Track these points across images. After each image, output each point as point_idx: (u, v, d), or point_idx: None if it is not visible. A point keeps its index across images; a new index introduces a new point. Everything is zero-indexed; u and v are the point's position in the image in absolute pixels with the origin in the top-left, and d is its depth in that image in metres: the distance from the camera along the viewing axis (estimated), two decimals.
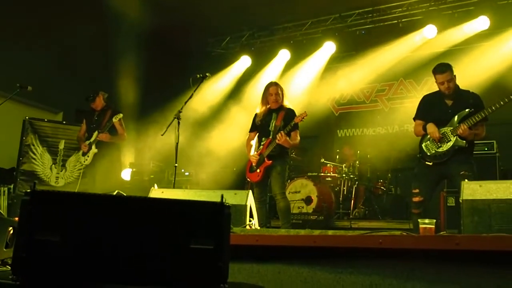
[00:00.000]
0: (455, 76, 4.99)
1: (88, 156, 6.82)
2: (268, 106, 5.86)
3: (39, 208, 1.70)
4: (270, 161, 5.63)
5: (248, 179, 6.00)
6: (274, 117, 5.79)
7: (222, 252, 1.88)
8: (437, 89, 5.08)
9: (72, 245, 1.69)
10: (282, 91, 5.87)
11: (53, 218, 1.71)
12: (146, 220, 1.83)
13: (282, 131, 5.55)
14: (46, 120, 8.17)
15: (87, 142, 6.88)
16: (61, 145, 7.48)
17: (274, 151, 5.66)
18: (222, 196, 1.95)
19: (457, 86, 5.02)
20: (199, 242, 1.86)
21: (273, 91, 5.81)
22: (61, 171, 7.85)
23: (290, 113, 5.79)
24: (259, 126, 5.90)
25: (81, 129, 7.21)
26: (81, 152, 7.02)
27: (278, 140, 5.53)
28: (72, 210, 1.76)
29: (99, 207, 1.82)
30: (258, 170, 5.71)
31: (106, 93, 7.19)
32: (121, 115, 6.82)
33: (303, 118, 5.56)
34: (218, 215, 1.93)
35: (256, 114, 6.01)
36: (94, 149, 6.78)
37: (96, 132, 6.80)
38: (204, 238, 1.88)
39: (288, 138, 5.57)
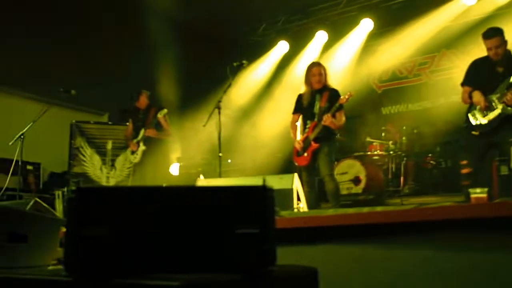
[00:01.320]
0: (506, 41, 4.78)
1: (137, 154, 6.91)
2: (311, 87, 5.78)
3: (85, 205, 1.73)
4: (317, 144, 5.58)
5: (295, 163, 5.95)
6: (318, 98, 5.72)
7: (267, 235, 1.88)
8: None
9: (120, 238, 1.73)
10: (325, 70, 5.79)
11: (100, 213, 1.74)
12: (190, 208, 1.84)
13: (328, 113, 5.48)
14: (92, 122, 8.36)
15: (135, 140, 6.97)
16: (109, 145, 7.64)
17: (320, 133, 5.60)
18: (264, 180, 1.94)
19: (508, 52, 4.81)
20: (244, 226, 1.86)
21: (316, 71, 5.73)
22: (111, 170, 8.02)
23: (334, 93, 5.72)
24: (303, 108, 5.83)
25: (127, 129, 7.31)
26: (129, 151, 7.12)
27: (324, 121, 5.47)
28: (117, 204, 1.79)
29: (143, 199, 1.84)
30: (305, 154, 5.66)
31: (148, 91, 7.27)
32: (165, 110, 6.86)
33: (348, 98, 5.50)
34: (261, 199, 1.92)
35: (299, 96, 5.94)
36: (142, 147, 6.86)
37: (142, 130, 6.88)
38: (249, 222, 1.87)
39: (334, 120, 5.52)
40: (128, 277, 1.67)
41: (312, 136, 5.60)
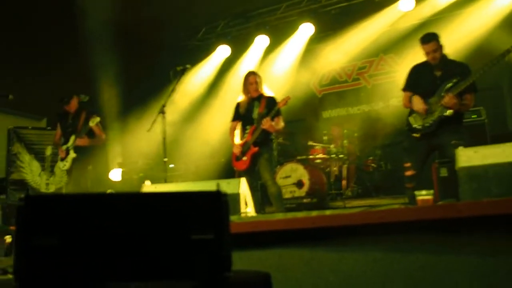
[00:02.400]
0: (442, 46, 4.95)
1: (66, 162, 6.53)
2: (249, 95, 5.91)
3: (34, 213, 1.67)
4: (256, 148, 5.68)
5: (235, 168, 5.99)
6: (256, 105, 5.86)
7: (223, 241, 1.86)
8: (424, 59, 5.05)
9: (71, 247, 1.67)
10: (260, 79, 5.95)
11: (50, 221, 1.68)
12: (144, 215, 1.80)
13: (267, 117, 5.58)
14: (30, 127, 8.11)
15: (64, 147, 6.59)
16: (48, 151, 7.38)
17: (259, 138, 5.71)
18: (218, 185, 1.92)
19: (445, 56, 4.98)
20: (199, 233, 1.84)
21: (252, 80, 5.89)
22: (51, 177, 7.77)
23: (271, 100, 5.87)
24: (242, 115, 5.95)
25: (56, 134, 6.92)
26: (59, 158, 6.74)
27: (263, 125, 5.56)
28: (68, 212, 1.73)
29: (95, 206, 1.79)
30: (244, 158, 5.75)
31: (88, 96, 7.05)
32: (98, 118, 6.49)
33: (286, 102, 5.66)
34: (215, 204, 1.90)
35: (238, 104, 6.05)
36: (72, 154, 6.48)
37: (73, 137, 6.53)
38: (204, 228, 1.86)
39: (272, 123, 5.64)
40: (82, 287, 1.61)
41: (251, 140, 5.72)
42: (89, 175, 6.88)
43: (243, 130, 5.91)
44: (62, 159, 6.58)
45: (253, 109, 5.85)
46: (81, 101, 6.80)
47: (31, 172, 7.83)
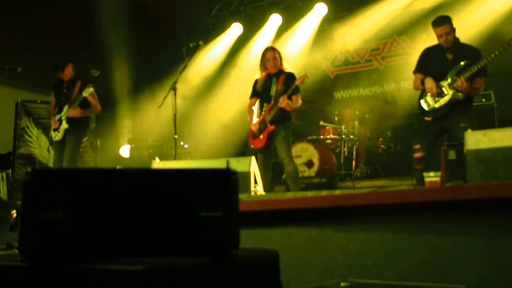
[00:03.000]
0: (454, 29, 4.90)
1: (58, 132, 6.25)
2: (267, 72, 5.82)
3: (41, 187, 1.66)
4: (273, 126, 5.61)
5: (251, 146, 5.95)
6: (274, 81, 5.76)
7: (231, 218, 1.85)
8: (436, 42, 5.01)
9: (78, 222, 1.66)
10: (279, 55, 5.83)
11: (57, 196, 1.67)
12: (153, 191, 1.79)
13: (284, 95, 5.52)
14: (39, 101, 8.05)
15: (58, 116, 6.28)
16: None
17: (276, 116, 5.64)
18: (227, 162, 1.91)
19: (457, 40, 4.94)
20: (208, 210, 1.83)
21: (270, 56, 5.76)
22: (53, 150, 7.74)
23: (290, 76, 5.77)
24: (260, 92, 5.87)
25: (51, 102, 6.67)
26: (52, 128, 6.46)
27: (280, 103, 5.51)
28: (75, 186, 1.72)
29: (103, 181, 1.78)
30: (261, 136, 5.69)
31: (98, 71, 6.98)
32: (91, 89, 6.17)
33: (303, 80, 5.56)
34: (225, 182, 1.89)
35: (256, 80, 5.96)
36: (65, 125, 6.18)
37: (66, 106, 6.24)
38: (213, 205, 1.84)
39: (290, 102, 5.57)
40: (89, 262, 1.61)
41: (268, 118, 5.63)
42: (95, 150, 6.85)
43: (261, 107, 5.84)
44: (55, 130, 6.31)
45: (271, 86, 5.76)
46: (92, 75, 6.69)
47: (39, 146, 7.82)
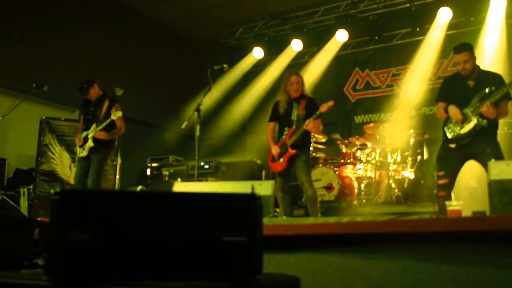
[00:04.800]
0: (474, 57, 4.89)
1: (83, 149, 6.34)
2: (289, 96, 5.82)
3: (69, 208, 1.68)
4: (294, 150, 5.60)
5: (270, 169, 5.95)
6: (295, 106, 5.77)
7: (255, 243, 1.86)
8: (452, 70, 5.02)
9: (104, 244, 1.67)
10: (302, 79, 5.86)
11: (84, 217, 1.68)
12: (178, 215, 1.80)
13: (310, 118, 5.54)
14: (63, 119, 8.15)
15: (84, 134, 6.39)
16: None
17: (298, 140, 5.63)
18: (252, 187, 1.92)
19: (478, 67, 4.93)
20: (232, 234, 1.83)
21: (294, 80, 5.78)
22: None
23: (312, 101, 5.80)
24: (280, 116, 5.87)
25: (80, 121, 6.78)
26: (78, 144, 6.51)
27: (306, 125, 5.51)
28: (102, 208, 1.73)
29: (129, 204, 1.79)
30: (281, 160, 5.67)
31: (122, 90, 7.05)
32: (120, 113, 6.29)
33: (329, 107, 5.56)
34: (249, 206, 1.90)
35: (276, 103, 5.98)
36: (90, 143, 6.29)
37: (94, 125, 6.35)
38: (237, 230, 1.85)
39: (315, 125, 5.59)
40: (112, 284, 1.62)
41: (289, 142, 5.63)
42: (116, 168, 6.87)
43: (281, 131, 5.84)
44: (80, 146, 6.41)
45: (292, 110, 5.77)
46: (115, 94, 6.76)
47: (61, 163, 7.87)
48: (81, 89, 6.49)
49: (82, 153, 6.38)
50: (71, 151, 7.73)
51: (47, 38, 8.15)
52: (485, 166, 4.30)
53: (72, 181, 7.68)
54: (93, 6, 8.96)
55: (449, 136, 4.88)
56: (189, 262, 1.79)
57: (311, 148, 7.10)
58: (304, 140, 5.70)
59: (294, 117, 5.72)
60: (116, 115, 6.26)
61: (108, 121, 6.29)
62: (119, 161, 8.00)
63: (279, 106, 5.90)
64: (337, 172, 7.96)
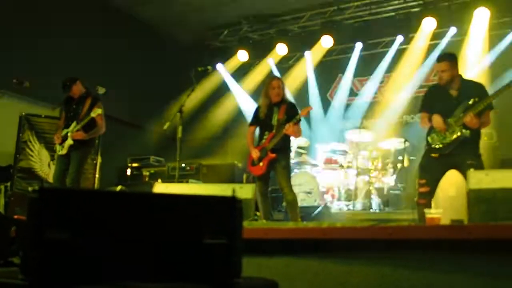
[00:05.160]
0: (454, 67, 4.90)
1: (63, 147, 6.22)
2: (269, 100, 5.80)
3: (48, 206, 1.65)
4: (274, 154, 5.59)
5: (250, 172, 5.94)
6: (276, 110, 5.74)
7: (235, 246, 1.86)
8: (435, 80, 5.06)
9: (83, 244, 1.65)
10: (283, 84, 5.84)
11: (63, 216, 1.66)
12: (158, 216, 1.79)
13: (290, 122, 5.52)
14: (43, 116, 8.02)
15: (64, 131, 6.26)
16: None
17: (277, 145, 5.61)
18: (233, 190, 1.92)
19: (460, 77, 4.97)
20: (212, 237, 1.83)
21: (275, 84, 5.76)
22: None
23: (292, 106, 5.79)
24: (261, 120, 5.85)
25: (60, 117, 6.62)
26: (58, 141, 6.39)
27: (286, 129, 5.50)
28: (82, 207, 1.71)
29: (110, 204, 1.78)
30: (261, 164, 5.65)
31: (105, 88, 6.98)
32: (100, 110, 6.16)
33: (308, 112, 5.58)
34: (230, 210, 1.90)
35: (257, 108, 5.98)
36: (70, 141, 6.16)
37: (74, 123, 6.21)
38: (217, 233, 1.85)
39: (294, 129, 5.56)
40: (90, 285, 1.60)
41: (269, 146, 5.62)
42: (96, 167, 6.79)
43: (261, 135, 5.82)
44: (60, 144, 6.29)
45: (273, 114, 5.74)
46: (98, 93, 6.69)
47: (40, 161, 7.75)
48: (64, 86, 6.39)
49: (61, 151, 6.26)
50: (51, 149, 7.58)
51: (30, 35, 8.04)
52: (465, 176, 4.35)
53: (50, 179, 7.58)
54: (77, 5, 8.88)
55: (432, 145, 4.91)
56: (169, 264, 1.78)
57: (292, 154, 7.12)
58: (284, 145, 5.68)
59: (274, 121, 5.71)
60: (96, 112, 6.12)
61: (87, 119, 6.16)
62: (99, 160, 7.91)
63: (259, 111, 5.90)
64: (318, 177, 7.99)
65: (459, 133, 4.75)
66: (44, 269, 1.62)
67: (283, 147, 5.69)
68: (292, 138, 5.87)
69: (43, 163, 7.75)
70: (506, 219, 3.47)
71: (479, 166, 4.57)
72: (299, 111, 5.67)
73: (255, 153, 5.70)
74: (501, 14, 8.71)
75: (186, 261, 1.78)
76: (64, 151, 6.24)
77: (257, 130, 5.95)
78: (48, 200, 1.67)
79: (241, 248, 1.88)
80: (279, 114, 5.70)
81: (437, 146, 4.87)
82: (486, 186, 3.83)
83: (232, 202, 1.90)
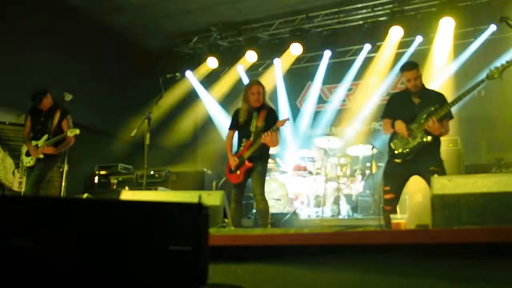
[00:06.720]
0: (421, 74, 5.07)
1: (31, 159, 6.23)
2: (249, 105, 5.69)
3: (8, 214, 1.63)
4: (251, 164, 5.49)
5: (227, 179, 5.82)
6: (255, 116, 5.63)
7: (201, 253, 1.85)
8: (401, 88, 5.17)
9: (45, 251, 1.63)
10: (264, 89, 5.73)
11: (24, 224, 1.64)
12: (122, 223, 1.78)
13: (268, 131, 5.43)
14: (7, 123, 7.89)
15: (34, 143, 6.26)
16: (24, 149, 7.11)
17: (255, 153, 5.52)
18: (200, 197, 1.91)
19: (423, 85, 5.10)
20: (177, 244, 1.82)
21: (255, 90, 5.64)
22: (24, 175, 7.56)
23: (272, 113, 5.71)
24: (240, 125, 5.73)
25: (25, 127, 6.53)
26: (24, 152, 6.38)
27: (264, 139, 5.40)
28: (43, 214, 1.69)
29: (72, 211, 1.75)
30: (238, 172, 5.55)
31: (71, 95, 6.89)
32: (77, 131, 6.21)
33: (285, 122, 5.47)
34: (196, 216, 1.89)
35: (236, 111, 5.85)
36: (40, 155, 6.19)
37: (45, 136, 6.22)
38: (183, 240, 1.84)
39: (272, 138, 5.45)
40: None
41: (246, 155, 5.53)
42: (62, 175, 6.71)
43: (239, 141, 5.71)
44: (28, 155, 6.28)
45: (252, 120, 5.63)
46: (65, 99, 6.61)
47: (4, 169, 7.61)
48: (33, 98, 6.34)
49: (29, 162, 6.27)
50: (15, 156, 7.50)
51: None
52: (428, 182, 4.42)
53: (15, 187, 7.49)
54: (44, 10, 8.75)
55: (395, 151, 5.00)
56: (133, 271, 1.76)
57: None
58: (261, 153, 5.58)
59: (252, 128, 5.60)
60: (73, 132, 6.18)
61: (61, 136, 6.21)
62: (65, 167, 7.79)
63: (239, 115, 5.77)
64: (287, 184, 8.02)
65: (420, 139, 4.86)
66: (4, 278, 1.59)
67: (261, 154, 5.60)
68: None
69: (7, 171, 7.62)
70: (469, 223, 3.54)
71: (442, 172, 4.69)
72: (279, 118, 5.63)
73: (233, 161, 5.59)
74: (465, 24, 8.90)
75: (151, 268, 1.77)
76: (32, 163, 6.24)
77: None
78: (8, 208, 1.65)
79: (207, 255, 1.87)
80: (258, 121, 5.60)
81: (399, 152, 4.96)
82: (449, 192, 3.90)
83: (198, 209, 1.89)
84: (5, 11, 8.12)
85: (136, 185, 8.43)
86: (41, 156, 6.19)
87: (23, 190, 6.91)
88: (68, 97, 6.67)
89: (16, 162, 7.56)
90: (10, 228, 1.63)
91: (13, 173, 7.63)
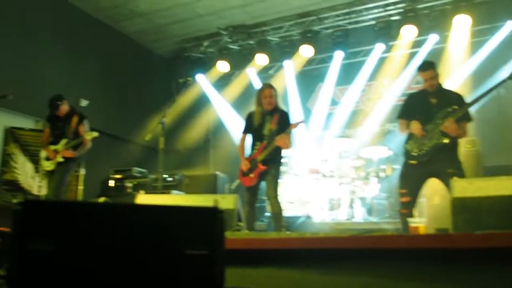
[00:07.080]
0: (438, 74, 5.00)
1: (51, 163, 6.37)
2: (262, 108, 5.70)
3: (32, 218, 1.65)
4: (265, 167, 5.50)
5: (240, 182, 5.82)
6: (268, 119, 5.65)
7: (217, 257, 1.86)
8: (415, 88, 5.11)
9: (67, 255, 1.65)
10: (276, 92, 5.74)
11: (47, 227, 1.66)
12: (140, 227, 1.79)
13: (282, 134, 5.46)
14: (27, 129, 8.05)
15: (53, 147, 6.41)
16: (43, 154, 7.19)
17: (269, 156, 5.53)
18: (215, 200, 1.92)
19: (440, 85, 5.03)
20: (194, 248, 1.83)
21: (267, 93, 5.66)
22: (45, 179, 7.67)
23: (285, 115, 5.71)
24: (253, 129, 5.74)
25: (44, 133, 6.74)
26: (44, 157, 6.52)
27: (277, 141, 5.42)
28: (64, 218, 1.71)
29: (92, 215, 1.77)
30: (251, 175, 5.55)
31: (87, 100, 6.99)
32: (95, 134, 6.41)
33: (299, 124, 5.50)
34: (212, 220, 1.90)
35: (249, 115, 5.86)
36: (60, 158, 6.33)
37: (64, 140, 6.40)
38: (199, 243, 1.85)
39: (286, 141, 5.47)
40: None
41: (260, 158, 5.53)
42: (79, 179, 6.79)
43: (253, 144, 5.72)
44: (48, 159, 6.43)
45: (265, 124, 5.64)
46: (81, 105, 6.72)
47: (24, 173, 7.75)
48: (51, 105, 6.53)
49: (49, 167, 6.41)
50: (35, 161, 7.65)
51: (13, 48, 8.01)
52: (446, 184, 4.35)
53: (34, 191, 7.64)
54: (62, 19, 8.88)
55: (411, 152, 4.93)
56: (151, 274, 1.77)
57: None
58: (275, 156, 5.58)
59: (266, 131, 5.61)
60: (91, 135, 6.38)
61: (80, 140, 6.39)
62: (82, 172, 7.90)
63: (253, 118, 5.78)
64: (300, 187, 8.00)
65: (437, 140, 4.78)
66: (28, 280, 1.61)
67: (274, 158, 5.60)
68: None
69: (27, 176, 7.77)
70: (490, 227, 3.48)
71: (460, 174, 4.58)
72: (291, 120, 5.63)
73: (245, 165, 5.61)
74: (481, 21, 8.76)
75: (168, 271, 1.78)
76: (52, 167, 6.38)
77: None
78: (32, 212, 1.68)
79: (223, 258, 1.88)
80: (271, 124, 5.62)
81: (415, 154, 4.89)
82: (470, 195, 3.84)
83: (214, 213, 1.90)
84: (25, 18, 8.22)
85: (150, 189, 8.48)
86: (61, 159, 6.34)
87: (42, 194, 7.08)
88: (84, 102, 6.78)
89: (35, 166, 7.72)
90: (33, 232, 1.65)
91: (33, 177, 7.76)
